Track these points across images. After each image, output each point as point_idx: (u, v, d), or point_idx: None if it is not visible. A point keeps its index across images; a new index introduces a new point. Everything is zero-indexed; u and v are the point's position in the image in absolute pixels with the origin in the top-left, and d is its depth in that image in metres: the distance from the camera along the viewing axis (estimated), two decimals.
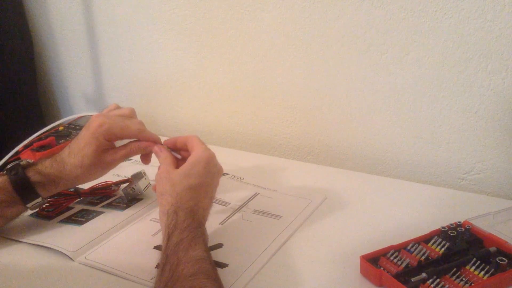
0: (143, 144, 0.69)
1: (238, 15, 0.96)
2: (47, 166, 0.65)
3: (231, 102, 1.05)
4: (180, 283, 0.47)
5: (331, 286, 0.55)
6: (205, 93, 1.08)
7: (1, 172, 0.65)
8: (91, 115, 0.70)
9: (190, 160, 0.63)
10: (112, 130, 0.66)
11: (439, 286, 0.51)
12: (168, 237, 0.54)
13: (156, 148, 0.68)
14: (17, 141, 0.91)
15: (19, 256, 0.63)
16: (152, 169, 0.79)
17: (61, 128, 1.01)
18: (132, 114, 0.71)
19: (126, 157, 0.69)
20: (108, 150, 0.68)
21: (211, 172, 0.63)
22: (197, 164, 0.62)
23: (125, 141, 0.70)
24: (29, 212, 0.70)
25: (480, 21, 0.74)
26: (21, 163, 0.65)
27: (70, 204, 0.75)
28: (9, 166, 0.66)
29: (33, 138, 0.87)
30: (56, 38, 1.26)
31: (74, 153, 0.66)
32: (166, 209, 0.59)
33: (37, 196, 0.64)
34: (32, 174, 0.64)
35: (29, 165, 0.65)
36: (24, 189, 0.63)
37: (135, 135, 0.69)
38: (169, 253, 0.52)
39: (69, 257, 0.62)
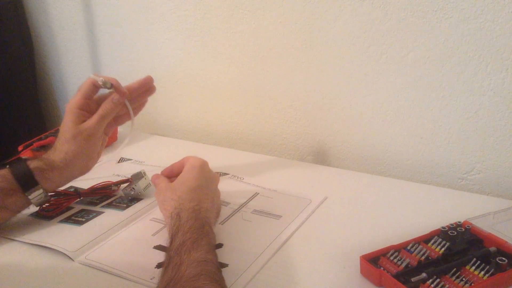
0: (111, 98, 0.71)
1: (238, 15, 0.96)
2: (43, 153, 0.70)
3: (231, 102, 1.05)
4: (181, 284, 0.47)
5: (331, 286, 0.55)
6: (205, 93, 1.08)
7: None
8: None
9: (185, 168, 0.68)
10: (76, 97, 0.70)
11: (439, 286, 0.51)
12: (172, 239, 0.55)
13: (154, 177, 0.72)
14: (17, 141, 0.91)
15: (19, 256, 0.63)
16: (152, 169, 0.80)
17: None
18: None
19: (103, 119, 0.71)
20: (86, 120, 0.70)
21: (206, 177, 0.67)
22: (192, 169, 0.67)
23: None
24: (30, 211, 0.70)
25: (480, 21, 0.74)
26: (23, 158, 0.69)
27: (70, 204, 0.75)
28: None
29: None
30: (56, 38, 1.26)
31: (60, 135, 0.70)
32: (169, 213, 0.60)
33: (36, 183, 0.66)
34: (30, 162, 0.66)
35: (30, 158, 0.68)
36: (22, 175, 0.65)
37: (91, 80, 0.71)
38: (172, 254, 0.52)
39: (69, 257, 0.62)
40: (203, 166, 0.68)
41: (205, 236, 0.55)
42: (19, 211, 0.67)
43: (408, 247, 0.57)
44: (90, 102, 0.71)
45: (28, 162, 0.66)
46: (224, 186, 0.81)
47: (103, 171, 0.86)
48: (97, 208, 0.74)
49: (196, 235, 0.54)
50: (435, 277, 0.52)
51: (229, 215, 0.71)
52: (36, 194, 0.66)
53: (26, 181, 0.65)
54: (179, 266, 0.49)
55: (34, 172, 0.65)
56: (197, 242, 0.53)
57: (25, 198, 0.66)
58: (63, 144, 0.68)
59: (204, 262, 0.50)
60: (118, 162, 0.93)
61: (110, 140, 1.01)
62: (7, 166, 0.66)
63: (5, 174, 0.65)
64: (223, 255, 0.61)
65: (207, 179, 0.67)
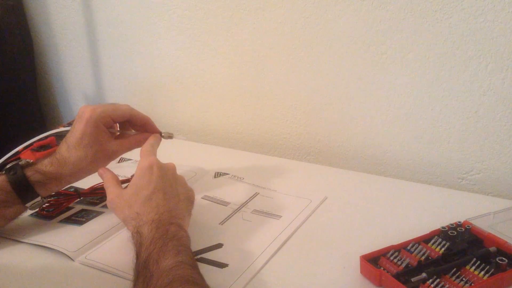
0: (146, 135, 0.72)
1: (238, 15, 0.96)
2: (46, 164, 0.65)
3: (231, 102, 1.05)
4: None
5: (331, 286, 0.55)
6: (205, 93, 1.08)
7: (0, 172, 0.65)
8: None
9: (136, 172, 0.63)
10: (107, 113, 0.68)
11: (439, 286, 0.51)
12: (137, 256, 0.53)
13: (100, 170, 0.68)
14: (18, 142, 0.91)
15: (19, 256, 0.63)
16: None
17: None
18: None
19: (130, 149, 0.73)
20: (111, 140, 0.69)
21: (159, 175, 0.62)
22: (142, 174, 0.62)
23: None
24: (29, 212, 0.70)
25: (480, 21, 0.74)
26: (20, 163, 0.65)
27: (70, 204, 0.75)
28: (8, 166, 0.65)
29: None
30: (56, 38, 1.26)
31: (74, 146, 0.66)
32: (131, 232, 0.57)
33: (36, 195, 0.64)
34: (31, 174, 0.64)
35: (28, 164, 0.65)
36: (23, 189, 0.63)
37: (127, 112, 0.71)
38: (140, 269, 0.50)
39: (69, 257, 0.62)
40: (151, 166, 0.62)
41: (170, 239, 0.53)
42: (15, 218, 0.66)
43: (408, 247, 0.57)
44: (111, 121, 0.69)
45: (28, 174, 0.63)
46: (224, 186, 0.81)
47: None
48: (97, 208, 0.74)
49: (160, 244, 0.52)
50: (435, 277, 0.52)
51: (229, 215, 0.71)
52: (34, 202, 0.65)
53: (27, 194, 0.63)
54: (150, 278, 0.47)
55: (36, 186, 0.64)
56: (163, 250, 0.51)
57: (24, 207, 0.65)
58: (81, 160, 0.65)
59: (174, 268, 0.48)
60: (118, 162, 0.93)
61: None
62: (5, 173, 0.63)
63: (4, 187, 0.62)
64: (223, 255, 0.61)
65: (161, 177, 0.62)
